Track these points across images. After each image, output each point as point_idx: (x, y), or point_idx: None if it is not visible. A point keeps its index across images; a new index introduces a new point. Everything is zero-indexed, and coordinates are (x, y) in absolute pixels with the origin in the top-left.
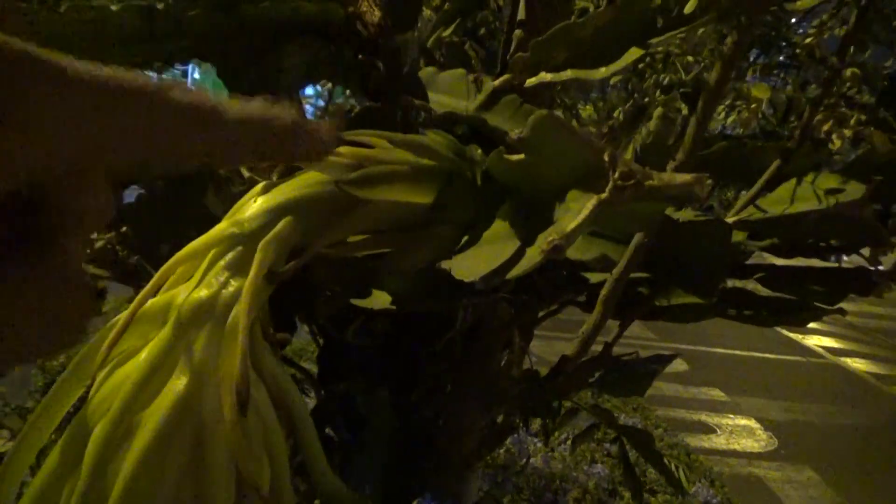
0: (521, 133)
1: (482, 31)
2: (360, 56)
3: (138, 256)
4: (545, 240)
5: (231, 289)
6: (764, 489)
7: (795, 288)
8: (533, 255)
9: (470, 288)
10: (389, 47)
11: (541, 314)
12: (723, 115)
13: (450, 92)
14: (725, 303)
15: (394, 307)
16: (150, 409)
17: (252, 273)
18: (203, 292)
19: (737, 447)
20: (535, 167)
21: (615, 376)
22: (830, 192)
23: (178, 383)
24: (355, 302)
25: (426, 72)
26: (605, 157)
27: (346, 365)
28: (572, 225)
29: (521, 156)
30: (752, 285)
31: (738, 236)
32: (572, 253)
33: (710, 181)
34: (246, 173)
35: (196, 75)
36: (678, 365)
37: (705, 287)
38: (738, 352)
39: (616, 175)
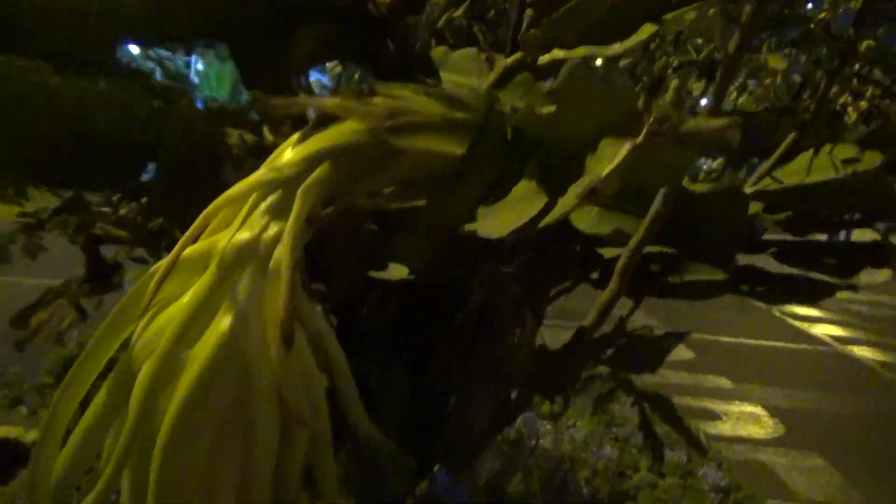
0: (553, 85)
1: (491, 13)
2: (370, 36)
3: (162, 220)
4: (580, 185)
5: (272, 231)
6: (770, 475)
7: (809, 261)
8: (568, 201)
9: (488, 256)
10: (400, 27)
11: (552, 293)
12: (734, 94)
13: (461, 71)
14: (738, 280)
15: (412, 277)
16: (196, 349)
17: (293, 216)
18: (245, 235)
19: (743, 434)
20: (566, 119)
21: (627, 353)
22: (847, 161)
23: (223, 323)
24: (372, 274)
25: (437, 52)
26: (640, 103)
27: (360, 344)
28: (608, 169)
29: (553, 108)
30: (763, 263)
31: (754, 207)
32: (588, 227)
33: (740, 127)
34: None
35: (199, 66)
36: (683, 353)
37: (722, 258)
38: (744, 340)
39: (651, 120)
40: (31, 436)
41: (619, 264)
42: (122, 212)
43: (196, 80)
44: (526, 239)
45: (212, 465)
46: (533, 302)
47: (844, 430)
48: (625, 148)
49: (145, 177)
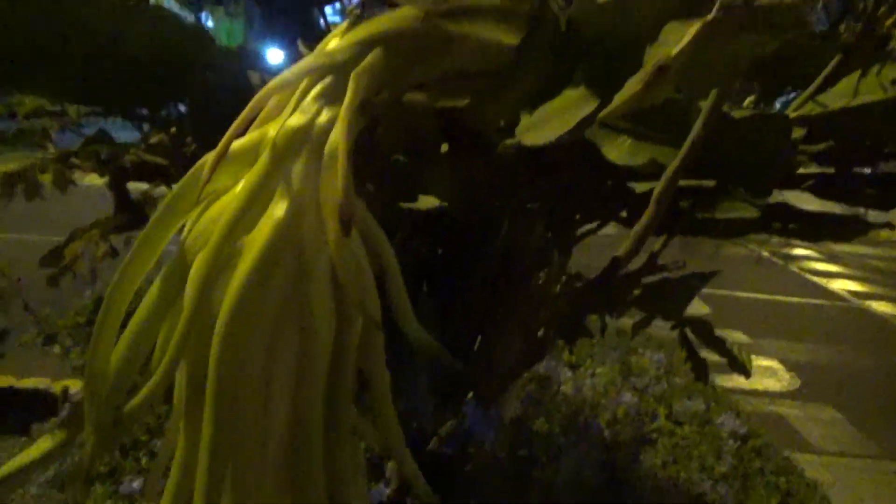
0: None
1: None
2: None
3: (195, 146)
4: (647, 67)
5: (325, 116)
6: (786, 426)
7: (849, 193)
8: (632, 86)
9: (516, 186)
10: None
11: (580, 231)
12: None
13: None
14: (770, 217)
15: (443, 204)
16: (252, 236)
17: (347, 99)
18: (297, 120)
19: (759, 387)
20: (625, 7)
21: (655, 294)
22: None
23: (279, 208)
24: (402, 205)
25: None
26: None
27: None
28: (678, 47)
29: None
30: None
31: (796, 132)
32: (621, 158)
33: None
34: None
35: (209, 24)
36: (700, 308)
37: (760, 186)
38: (761, 295)
39: None
40: (59, 386)
41: (656, 191)
42: (154, 140)
43: None
44: (556, 164)
45: (271, 351)
46: (560, 241)
47: (860, 383)
48: (694, 26)
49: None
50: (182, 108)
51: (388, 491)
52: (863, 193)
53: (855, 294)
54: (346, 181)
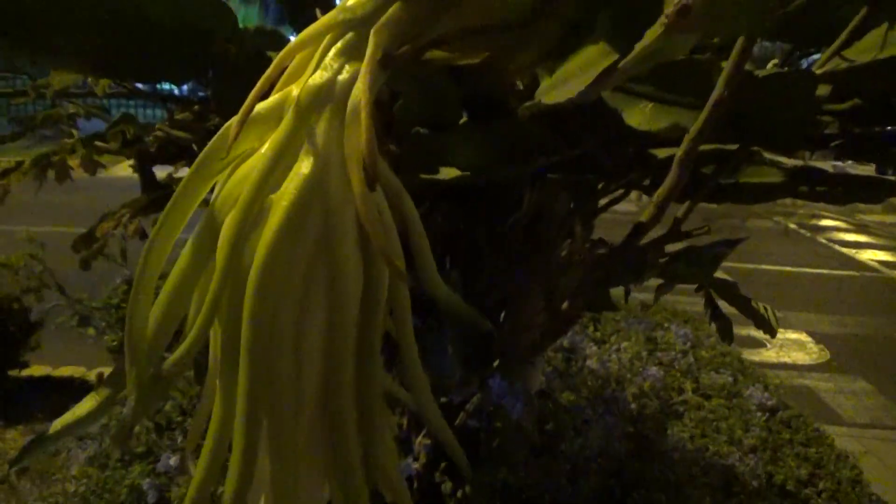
0: None
1: None
2: None
3: (219, 119)
4: (668, 8)
5: (347, 73)
6: (816, 399)
7: (875, 152)
8: (653, 34)
9: (538, 152)
10: None
11: (602, 202)
12: None
13: None
14: (796, 181)
15: (466, 173)
16: (279, 193)
17: (368, 55)
18: (320, 77)
19: (787, 360)
20: None
21: (681, 262)
22: None
23: (305, 165)
24: (424, 176)
25: None
26: None
27: (411, 256)
28: None
29: None
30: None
31: (822, 90)
32: (642, 123)
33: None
34: None
35: None
36: (759, 305)
37: (786, 143)
38: (788, 268)
39: None
40: (93, 374)
41: (679, 153)
42: (179, 117)
43: None
44: (577, 132)
45: (302, 305)
46: (582, 211)
47: (890, 353)
48: None
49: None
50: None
51: (416, 465)
52: (890, 153)
53: (885, 264)
54: (369, 136)
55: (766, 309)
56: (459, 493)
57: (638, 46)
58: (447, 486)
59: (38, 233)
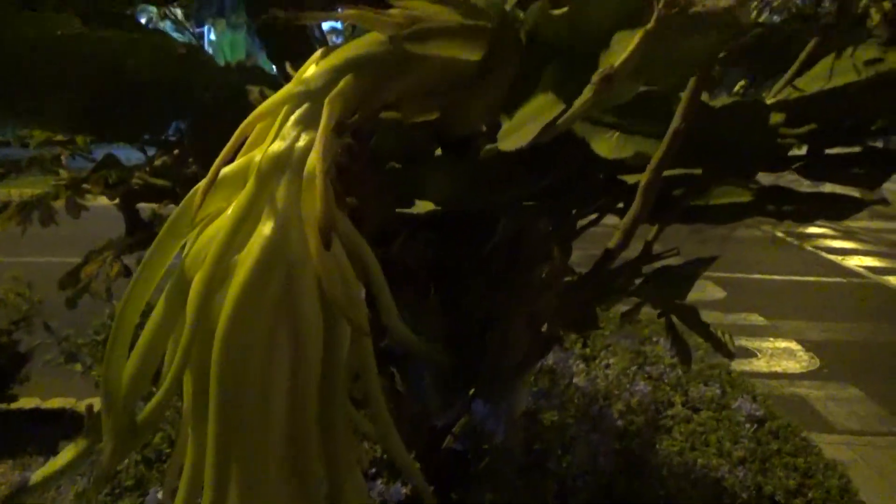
0: None
1: None
2: None
3: (196, 166)
4: (596, 77)
5: (304, 140)
6: (807, 407)
7: (835, 172)
8: (584, 95)
9: (509, 184)
10: None
11: (579, 225)
12: (755, 14)
13: None
14: (764, 201)
15: (438, 208)
16: (243, 254)
17: (322, 124)
18: (279, 146)
19: (778, 369)
20: (579, 17)
21: (656, 281)
22: (870, 62)
23: (266, 228)
24: (399, 210)
25: None
26: None
27: (392, 280)
28: (622, 57)
29: (565, 8)
30: (787, 189)
31: (776, 118)
32: (609, 152)
33: (753, 4)
34: None
35: (212, 36)
36: (715, 292)
37: (745, 171)
38: (776, 276)
39: (661, 4)
40: (83, 406)
41: (643, 182)
42: (158, 162)
43: (210, 49)
44: (548, 162)
45: (267, 356)
46: (560, 235)
47: (881, 359)
48: (637, 36)
49: (173, 135)
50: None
51: (405, 490)
52: (849, 172)
53: (872, 270)
54: (324, 199)
55: (723, 334)
56: None
57: (575, 104)
58: None
59: (25, 263)
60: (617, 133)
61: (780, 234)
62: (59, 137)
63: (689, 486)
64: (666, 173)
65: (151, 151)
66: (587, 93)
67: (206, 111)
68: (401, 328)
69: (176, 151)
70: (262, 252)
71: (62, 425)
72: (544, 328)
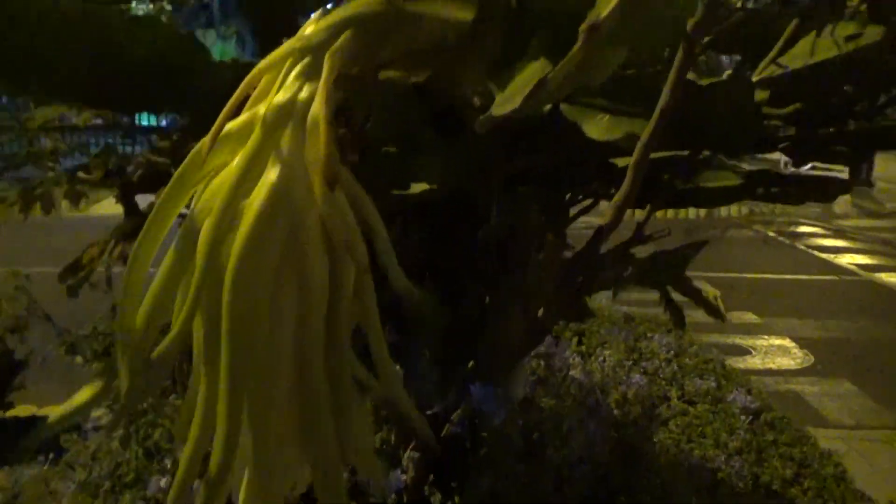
0: None
1: None
2: None
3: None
4: (582, 27)
5: (306, 92)
6: (802, 403)
7: (820, 151)
8: (573, 51)
9: (502, 161)
10: None
11: (573, 213)
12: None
13: None
14: (752, 184)
15: (433, 186)
16: (250, 200)
17: (324, 76)
18: (282, 97)
19: (773, 366)
20: None
21: (648, 266)
22: (849, 38)
23: (272, 174)
24: (395, 192)
25: None
26: None
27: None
28: (607, 10)
29: None
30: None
31: (760, 95)
32: (600, 134)
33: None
34: None
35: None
36: (707, 291)
37: (733, 147)
38: (769, 275)
39: None
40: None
41: (633, 159)
42: (160, 145)
43: None
44: (537, 140)
45: (274, 297)
46: (553, 222)
47: (874, 355)
48: None
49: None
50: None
51: (405, 478)
52: (834, 151)
53: (863, 267)
54: (328, 144)
55: (715, 298)
56: None
57: (562, 63)
58: (436, 499)
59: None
60: (607, 116)
61: (771, 234)
62: (58, 123)
63: (685, 474)
64: (655, 156)
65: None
66: (576, 49)
67: (206, 96)
68: (399, 274)
69: (175, 136)
70: (268, 196)
71: (59, 431)
72: (539, 313)
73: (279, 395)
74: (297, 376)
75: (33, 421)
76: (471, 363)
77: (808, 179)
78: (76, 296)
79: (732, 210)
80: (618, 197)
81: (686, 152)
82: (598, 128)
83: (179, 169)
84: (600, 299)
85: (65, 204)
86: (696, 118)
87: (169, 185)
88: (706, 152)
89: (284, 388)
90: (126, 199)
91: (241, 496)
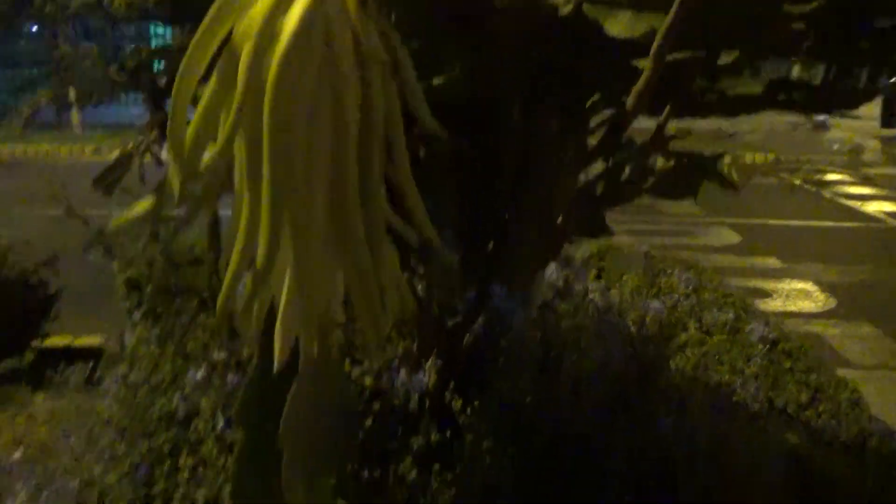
0: None
1: None
2: None
3: None
4: None
5: None
6: (823, 344)
7: (844, 51)
8: None
9: (522, 62)
10: None
11: (593, 124)
12: None
13: None
14: (775, 91)
15: (454, 74)
16: (286, 18)
17: None
18: None
19: (793, 309)
20: None
21: (668, 177)
22: None
23: None
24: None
25: None
26: None
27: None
28: None
29: None
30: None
31: None
32: (621, 32)
33: None
34: None
35: None
36: (730, 237)
37: (756, 40)
38: (793, 222)
39: None
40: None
41: (654, 46)
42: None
43: None
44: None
45: (312, 108)
46: (573, 129)
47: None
48: None
49: None
50: None
51: (427, 381)
52: (858, 50)
53: (891, 214)
54: None
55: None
56: (469, 409)
57: None
58: (457, 404)
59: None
60: (630, 12)
61: (797, 182)
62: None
63: (701, 395)
64: (675, 57)
65: None
66: None
67: None
68: (427, 112)
69: None
70: (304, 12)
71: (95, 360)
72: (558, 220)
73: (317, 203)
74: (333, 188)
75: (69, 350)
76: (491, 269)
77: (831, 87)
78: (111, 194)
79: (757, 157)
80: (640, 83)
81: (700, 54)
82: (619, 25)
83: (216, 3)
84: (621, 236)
85: (89, 149)
86: (716, 12)
87: (208, 15)
88: (726, 57)
89: (321, 196)
90: (153, 94)
91: (283, 296)
